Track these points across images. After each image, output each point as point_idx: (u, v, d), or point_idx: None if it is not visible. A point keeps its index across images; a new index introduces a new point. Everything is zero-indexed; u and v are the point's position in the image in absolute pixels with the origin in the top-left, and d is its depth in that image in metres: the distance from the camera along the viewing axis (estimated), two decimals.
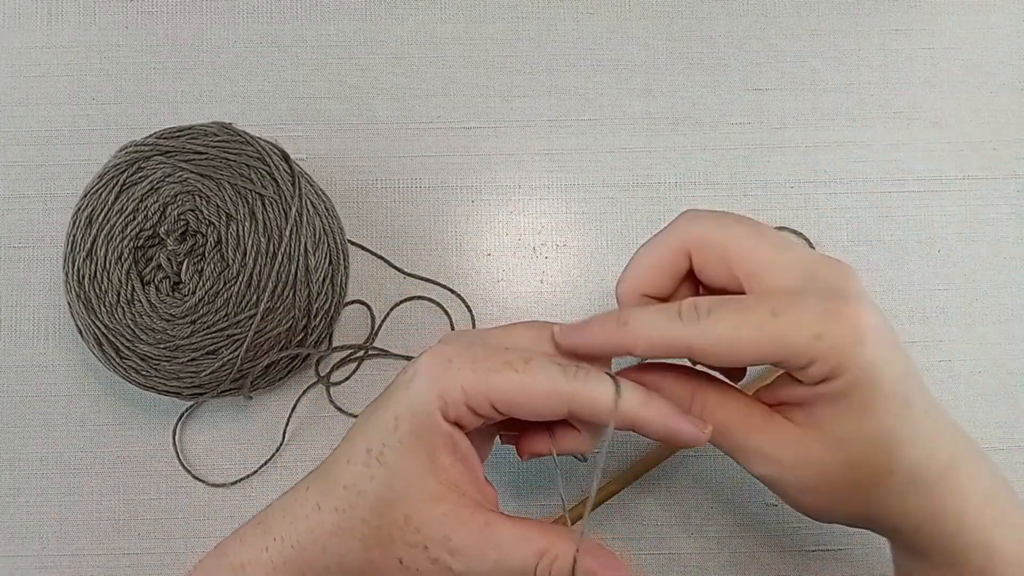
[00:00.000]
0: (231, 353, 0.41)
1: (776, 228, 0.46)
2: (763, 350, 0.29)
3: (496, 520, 0.31)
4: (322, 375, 0.48)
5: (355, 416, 0.47)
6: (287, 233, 0.42)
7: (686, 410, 0.32)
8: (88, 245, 0.42)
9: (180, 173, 0.42)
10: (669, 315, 0.31)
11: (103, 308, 0.42)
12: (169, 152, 0.42)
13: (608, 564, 0.31)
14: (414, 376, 0.31)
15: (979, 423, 0.48)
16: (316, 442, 0.47)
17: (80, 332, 0.43)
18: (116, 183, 0.42)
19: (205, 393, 0.43)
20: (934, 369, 0.48)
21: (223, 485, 0.47)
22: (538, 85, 0.50)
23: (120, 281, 0.42)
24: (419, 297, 0.48)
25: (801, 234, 0.48)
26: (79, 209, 0.43)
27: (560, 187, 0.49)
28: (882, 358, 0.29)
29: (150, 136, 0.43)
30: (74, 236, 0.42)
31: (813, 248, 0.48)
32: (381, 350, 0.48)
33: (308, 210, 0.43)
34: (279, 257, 0.41)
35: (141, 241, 0.42)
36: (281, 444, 0.47)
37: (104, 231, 0.42)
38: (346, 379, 0.48)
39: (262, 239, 0.41)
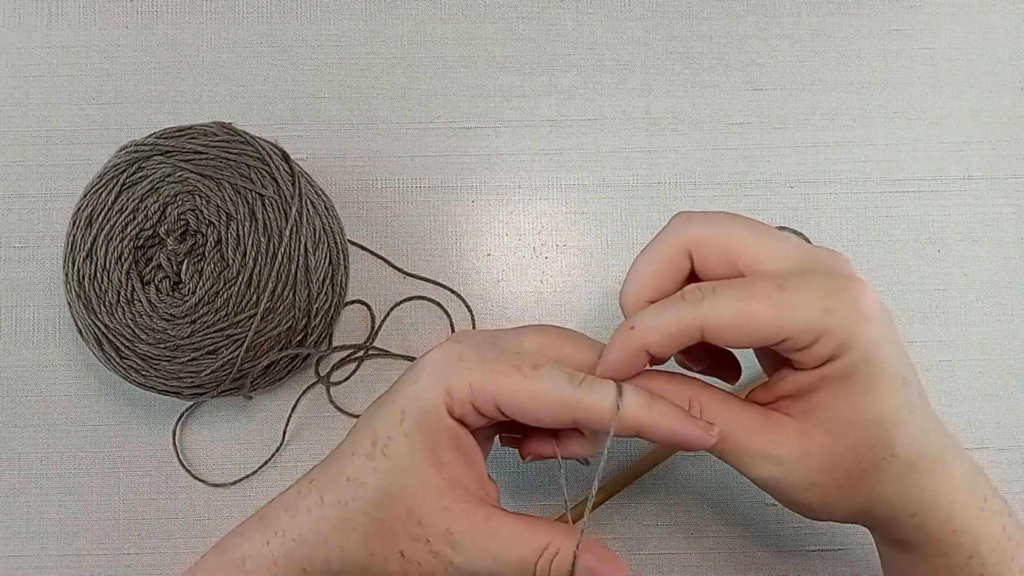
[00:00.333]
0: (231, 353, 0.41)
1: (776, 228, 0.46)
2: (773, 324, 0.29)
3: (498, 515, 0.31)
4: (322, 375, 0.48)
5: (355, 416, 0.47)
6: (287, 233, 0.42)
7: None
8: (88, 245, 0.42)
9: (180, 173, 0.42)
10: (672, 303, 0.30)
11: (103, 308, 0.42)
12: (169, 152, 0.42)
13: (608, 561, 0.31)
14: (422, 371, 0.32)
15: (979, 423, 0.48)
16: (316, 442, 0.47)
17: (80, 332, 0.43)
18: (116, 183, 0.42)
19: (205, 393, 0.43)
20: (934, 369, 0.48)
21: (223, 485, 0.47)
22: (538, 85, 0.50)
23: (120, 281, 0.42)
24: (419, 297, 0.48)
25: (801, 234, 0.48)
26: (79, 209, 0.43)
27: (560, 187, 0.49)
28: (885, 337, 0.29)
29: (150, 136, 0.43)
30: (74, 236, 0.42)
31: None
32: (381, 350, 0.48)
33: (308, 210, 0.43)
34: (279, 257, 0.41)
35: (141, 241, 0.42)
36: (281, 444, 0.47)
37: (104, 231, 0.42)
38: (346, 379, 0.48)
39: (262, 239, 0.41)
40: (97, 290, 0.42)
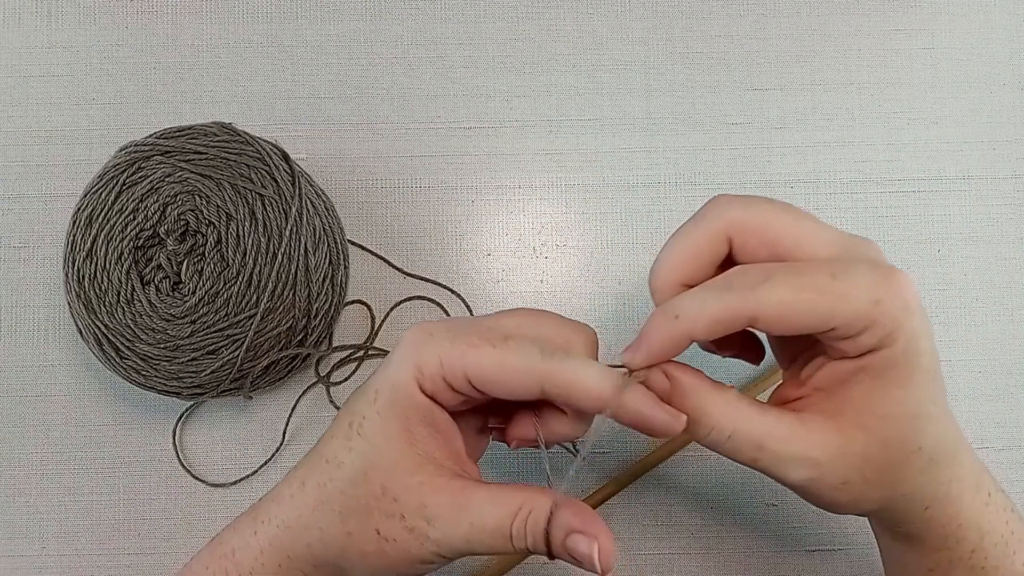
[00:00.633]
0: (231, 353, 0.41)
1: None
2: (825, 314, 0.28)
3: (472, 485, 0.31)
4: (322, 375, 0.48)
5: None
6: (287, 233, 0.42)
7: (709, 428, 0.31)
8: (88, 245, 0.42)
9: (180, 173, 0.42)
10: (719, 288, 0.29)
11: (103, 308, 0.42)
12: (169, 152, 0.42)
13: (585, 515, 0.30)
14: (396, 349, 0.32)
15: (979, 423, 0.48)
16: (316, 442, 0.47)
17: (80, 332, 0.43)
18: (116, 183, 0.42)
19: (205, 393, 0.43)
20: None
21: (223, 485, 0.47)
22: (538, 85, 0.50)
23: (120, 281, 0.42)
24: (419, 297, 0.48)
25: None
26: (79, 209, 0.43)
27: (560, 187, 0.49)
28: (924, 329, 0.29)
29: (150, 136, 0.43)
30: (74, 236, 0.42)
31: None
32: (381, 350, 0.48)
33: (308, 210, 0.43)
34: (279, 257, 0.41)
35: (141, 241, 0.42)
36: (281, 444, 0.47)
37: (104, 231, 0.42)
38: (346, 379, 0.48)
39: (262, 239, 0.41)
40: (97, 290, 0.42)
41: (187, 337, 0.41)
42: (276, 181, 0.42)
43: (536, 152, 0.49)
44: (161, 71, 0.50)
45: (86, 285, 0.42)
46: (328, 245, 0.44)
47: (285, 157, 0.44)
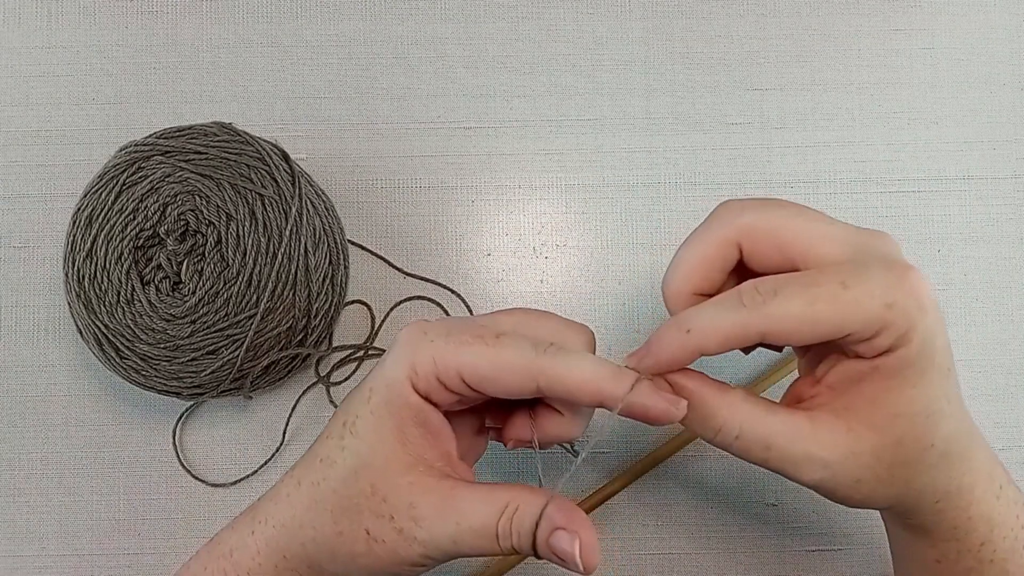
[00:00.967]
0: (231, 353, 0.41)
1: None
2: (837, 323, 0.28)
3: (462, 486, 0.31)
4: (322, 375, 0.48)
5: None
6: (287, 233, 0.42)
7: (717, 429, 0.31)
8: (88, 245, 0.42)
9: (180, 173, 0.42)
10: (731, 304, 0.29)
11: (103, 308, 0.42)
12: (169, 152, 0.42)
13: (571, 513, 0.30)
14: (391, 348, 0.32)
15: (979, 423, 0.47)
16: None
17: (80, 332, 0.43)
18: (116, 183, 0.42)
19: (205, 393, 0.43)
20: None
21: (223, 485, 0.47)
22: (538, 85, 0.50)
23: (120, 281, 0.42)
24: (419, 297, 0.48)
25: None
26: (79, 209, 0.43)
27: (560, 187, 0.49)
28: (937, 326, 0.29)
29: (150, 136, 0.43)
30: (74, 236, 0.42)
31: None
32: (381, 350, 0.48)
33: (308, 210, 0.43)
34: (279, 257, 0.41)
35: (141, 241, 0.42)
36: (281, 444, 0.47)
37: (104, 231, 0.42)
38: (346, 379, 0.48)
39: (262, 239, 0.41)
40: (97, 290, 0.42)
41: (187, 337, 0.41)
42: (276, 181, 0.42)
43: (536, 152, 0.49)
44: (161, 71, 0.50)
45: (86, 285, 0.42)
46: (328, 245, 0.44)
47: (285, 157, 0.44)
